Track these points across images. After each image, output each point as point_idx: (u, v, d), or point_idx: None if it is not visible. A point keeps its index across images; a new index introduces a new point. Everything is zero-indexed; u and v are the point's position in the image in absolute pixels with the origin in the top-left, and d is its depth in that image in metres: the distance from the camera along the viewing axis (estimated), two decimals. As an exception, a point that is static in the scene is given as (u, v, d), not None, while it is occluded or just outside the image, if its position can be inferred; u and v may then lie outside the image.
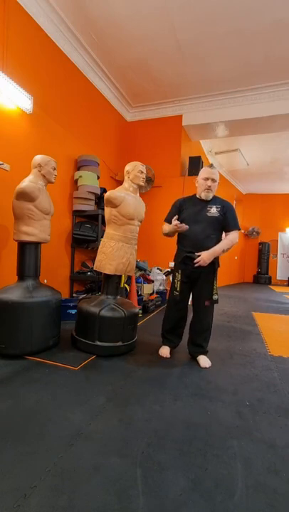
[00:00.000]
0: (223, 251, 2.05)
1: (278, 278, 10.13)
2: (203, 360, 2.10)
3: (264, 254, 9.87)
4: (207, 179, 2.06)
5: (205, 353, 2.17)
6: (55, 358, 2.05)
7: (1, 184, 2.70)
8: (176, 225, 1.97)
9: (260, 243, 10.03)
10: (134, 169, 2.29)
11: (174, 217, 2.02)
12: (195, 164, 4.97)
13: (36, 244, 2.22)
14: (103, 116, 4.63)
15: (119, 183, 4.12)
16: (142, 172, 2.31)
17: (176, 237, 2.24)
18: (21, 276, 2.19)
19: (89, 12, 3.25)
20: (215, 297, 2.11)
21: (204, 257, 1.99)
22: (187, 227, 2.00)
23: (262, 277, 9.86)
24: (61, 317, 2.37)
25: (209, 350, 2.31)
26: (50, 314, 2.16)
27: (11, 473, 1.00)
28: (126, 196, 2.23)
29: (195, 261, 2.01)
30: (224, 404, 1.57)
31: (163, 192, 5.02)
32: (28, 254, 2.18)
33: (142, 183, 2.33)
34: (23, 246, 2.18)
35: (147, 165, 4.58)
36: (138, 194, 2.39)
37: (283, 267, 10.15)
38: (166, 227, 2.14)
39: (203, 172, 2.10)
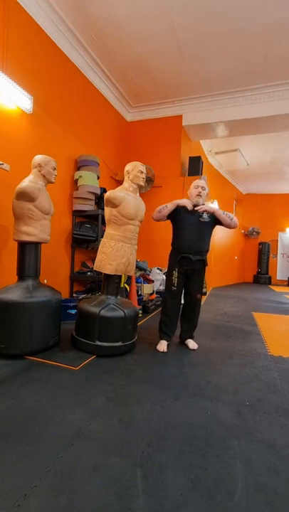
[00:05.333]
0: (224, 213, 2.34)
1: (278, 278, 10.13)
2: (192, 344, 2.49)
3: (264, 254, 9.87)
4: (198, 187, 2.42)
5: (193, 337, 2.57)
6: (55, 358, 2.05)
7: (1, 184, 2.70)
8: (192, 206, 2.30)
9: (260, 243, 10.03)
10: (134, 169, 2.30)
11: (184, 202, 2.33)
12: (195, 164, 4.97)
13: (36, 244, 2.22)
14: (103, 116, 4.63)
15: (119, 183, 4.13)
16: (142, 172, 2.31)
17: (170, 239, 2.50)
18: (21, 276, 2.19)
19: (89, 12, 3.25)
20: (204, 290, 2.48)
21: (208, 207, 2.31)
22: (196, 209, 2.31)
23: (262, 277, 9.86)
24: (61, 317, 2.37)
25: (209, 349, 2.45)
26: (50, 314, 2.16)
27: (11, 473, 1.00)
28: (126, 196, 2.23)
29: (200, 207, 2.30)
30: (224, 404, 1.57)
31: (163, 192, 5.02)
32: (28, 254, 2.18)
33: (142, 183, 2.33)
34: (23, 246, 2.18)
35: (147, 165, 4.58)
36: (138, 194, 2.39)
37: (283, 267, 10.15)
38: (166, 204, 2.37)
39: (194, 182, 2.47)
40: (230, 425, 1.37)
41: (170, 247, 2.49)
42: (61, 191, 3.63)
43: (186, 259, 2.34)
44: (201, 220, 2.33)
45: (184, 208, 2.36)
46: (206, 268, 2.49)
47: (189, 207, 2.30)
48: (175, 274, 2.40)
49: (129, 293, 3.37)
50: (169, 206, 2.35)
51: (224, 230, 8.20)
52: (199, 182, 2.45)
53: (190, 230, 2.36)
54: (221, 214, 2.33)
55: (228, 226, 2.37)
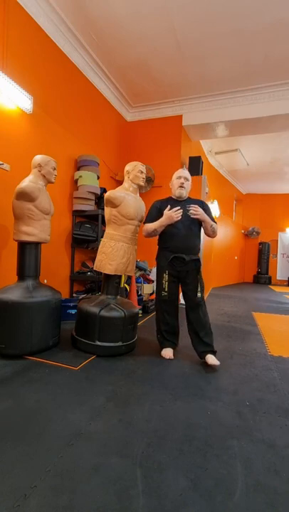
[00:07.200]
0: (211, 226, 2.18)
1: (278, 278, 10.12)
2: (211, 359, 2.04)
3: (264, 254, 9.87)
4: (180, 177, 2.21)
5: (212, 352, 2.11)
6: (55, 358, 2.05)
7: (1, 184, 2.70)
8: (175, 211, 2.06)
9: (260, 243, 10.03)
10: (134, 169, 2.29)
11: (168, 209, 2.12)
12: (195, 164, 4.97)
13: (36, 244, 2.22)
14: (103, 116, 4.63)
15: (119, 183, 4.12)
16: (141, 172, 2.31)
17: (156, 238, 2.31)
18: (21, 276, 2.19)
19: (89, 12, 3.24)
20: (199, 294, 2.16)
21: (200, 210, 2.11)
22: (181, 212, 2.08)
23: (262, 277, 9.86)
24: (61, 317, 2.37)
25: (209, 350, 2.35)
26: (50, 314, 2.16)
27: (11, 473, 1.00)
28: (126, 196, 2.23)
29: (190, 208, 2.08)
30: (224, 404, 1.57)
31: (163, 192, 5.01)
32: (28, 254, 2.18)
33: (142, 183, 2.33)
34: (23, 246, 2.18)
35: (147, 165, 4.58)
36: (138, 194, 2.39)
37: (283, 267, 10.15)
38: (153, 225, 2.18)
39: (176, 173, 2.27)
40: (230, 425, 1.37)
41: None
42: (61, 191, 3.63)
43: (180, 260, 2.15)
44: (190, 214, 2.12)
45: (166, 202, 2.22)
46: (202, 269, 2.28)
47: (176, 218, 2.07)
48: (165, 277, 2.19)
49: (129, 293, 3.37)
50: (159, 229, 2.17)
51: (224, 229, 8.21)
52: (182, 172, 2.24)
53: (181, 228, 2.15)
54: (208, 227, 2.16)
55: (208, 235, 2.25)
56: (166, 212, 2.11)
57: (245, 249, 10.35)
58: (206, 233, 2.24)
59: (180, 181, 2.20)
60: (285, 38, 3.48)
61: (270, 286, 8.99)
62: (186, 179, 2.22)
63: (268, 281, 9.86)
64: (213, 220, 2.21)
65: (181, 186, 2.20)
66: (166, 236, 2.23)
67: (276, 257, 10.24)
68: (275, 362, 2.26)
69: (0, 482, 0.96)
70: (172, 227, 2.16)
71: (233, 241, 9.14)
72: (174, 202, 2.23)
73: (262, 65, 3.96)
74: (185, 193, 2.23)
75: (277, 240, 10.22)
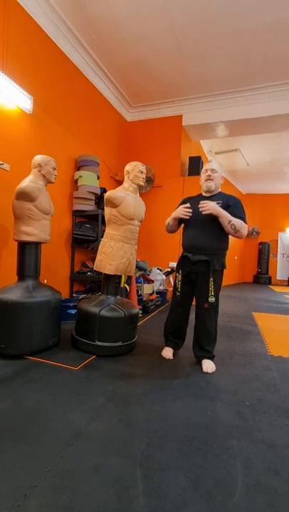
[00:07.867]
0: (229, 222, 1.93)
1: (278, 278, 10.12)
2: (206, 365, 2.01)
3: (264, 254, 9.87)
4: (206, 170, 2.11)
5: (210, 357, 2.07)
6: (55, 358, 2.05)
7: (1, 184, 2.70)
8: (184, 208, 2.03)
9: (260, 243, 10.03)
10: (134, 169, 2.29)
11: (186, 205, 2.07)
12: (195, 164, 4.97)
13: (36, 244, 2.22)
14: (103, 116, 4.63)
15: (119, 183, 4.12)
16: (141, 172, 2.31)
17: (170, 239, 2.26)
18: (21, 276, 2.19)
19: (89, 12, 3.25)
20: (211, 299, 2.00)
21: (211, 204, 1.92)
22: (190, 211, 2.03)
23: (262, 277, 9.86)
24: (61, 317, 2.37)
25: (209, 350, 2.34)
26: (50, 314, 2.16)
27: (11, 473, 1.00)
28: (126, 196, 2.23)
29: (200, 204, 1.95)
30: (224, 404, 1.57)
31: (163, 192, 5.03)
32: (28, 254, 2.18)
33: (142, 183, 2.33)
34: (23, 246, 2.18)
35: (147, 165, 4.58)
36: (138, 194, 2.38)
37: (283, 267, 10.15)
38: (168, 219, 2.20)
39: (204, 167, 2.17)
40: (230, 425, 1.37)
41: (170, 247, 2.34)
42: (61, 191, 3.64)
43: (187, 260, 2.08)
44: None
45: (194, 198, 2.13)
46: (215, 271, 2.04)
47: (181, 215, 2.05)
48: (178, 277, 2.15)
49: (129, 293, 3.37)
50: (171, 222, 2.17)
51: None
52: (208, 165, 2.12)
53: (194, 226, 2.07)
54: (226, 224, 1.93)
55: (230, 234, 2.02)
56: (180, 207, 2.10)
57: (245, 249, 10.35)
58: (227, 231, 2.01)
59: (206, 174, 2.08)
60: (285, 38, 3.48)
61: (270, 286, 8.99)
62: (214, 171, 2.07)
63: (268, 281, 9.85)
64: (240, 217, 1.98)
65: (208, 179, 2.07)
66: (182, 235, 2.21)
67: (276, 257, 10.24)
68: (275, 362, 2.26)
69: (0, 482, 0.96)
70: (186, 224, 2.15)
71: (233, 241, 9.09)
72: (200, 197, 2.11)
73: (262, 65, 3.96)
74: (213, 186, 2.08)
75: (277, 240, 10.22)
